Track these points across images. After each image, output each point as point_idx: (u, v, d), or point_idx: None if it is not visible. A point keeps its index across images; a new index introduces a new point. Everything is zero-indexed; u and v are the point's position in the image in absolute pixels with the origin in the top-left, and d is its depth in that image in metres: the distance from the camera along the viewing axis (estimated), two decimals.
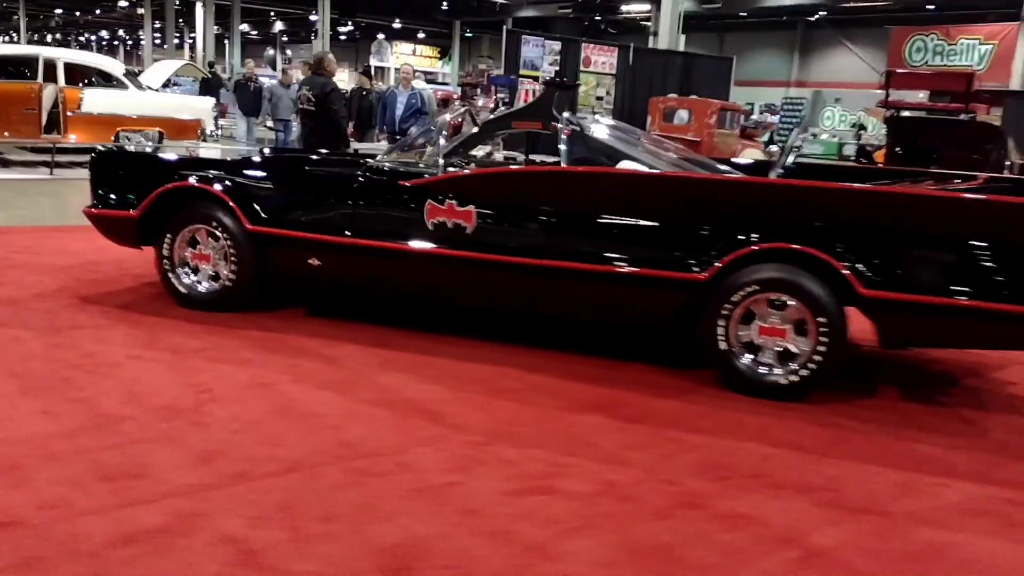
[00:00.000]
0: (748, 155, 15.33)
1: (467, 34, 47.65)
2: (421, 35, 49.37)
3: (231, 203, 5.31)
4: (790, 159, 5.71)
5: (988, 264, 4.17)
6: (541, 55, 14.67)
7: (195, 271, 5.55)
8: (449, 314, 5.70)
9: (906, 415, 4.45)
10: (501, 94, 12.00)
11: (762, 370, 4.48)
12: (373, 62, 34.97)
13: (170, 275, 5.56)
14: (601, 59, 15.44)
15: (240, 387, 4.23)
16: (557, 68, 14.43)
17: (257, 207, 5.32)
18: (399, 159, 5.48)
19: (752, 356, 4.52)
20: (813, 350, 4.38)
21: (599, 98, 15.50)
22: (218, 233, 5.39)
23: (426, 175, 5.09)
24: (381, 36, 41.28)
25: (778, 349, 4.48)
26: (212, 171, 5.47)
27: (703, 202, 4.63)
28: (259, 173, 5.51)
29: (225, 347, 4.85)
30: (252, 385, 4.27)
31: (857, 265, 4.28)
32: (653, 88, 16.07)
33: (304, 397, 4.15)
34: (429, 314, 5.71)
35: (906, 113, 10.20)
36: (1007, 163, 9.25)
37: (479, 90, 13.80)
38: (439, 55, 48.13)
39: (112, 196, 5.69)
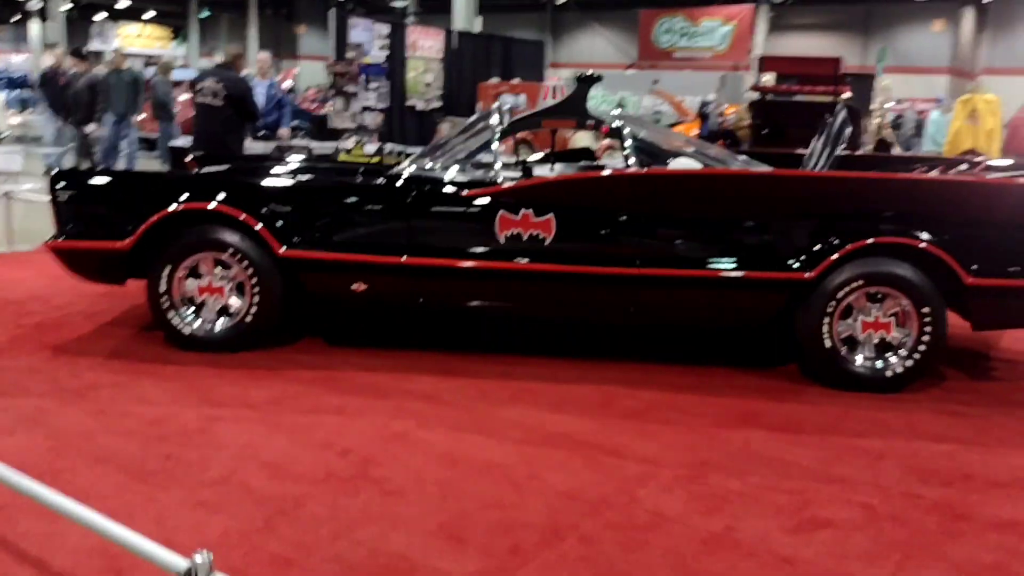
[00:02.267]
0: (580, 141, 15.59)
1: (204, 14, 44.74)
2: (150, 14, 45.68)
3: (257, 226, 4.59)
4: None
5: None
6: (370, 39, 14.05)
7: (198, 307, 4.75)
8: (466, 329, 5.32)
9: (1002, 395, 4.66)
10: (374, 84, 11.30)
11: (870, 365, 4.51)
12: (95, 45, 32.05)
13: (170, 314, 4.72)
14: (427, 43, 15.04)
15: (377, 441, 3.68)
16: (388, 53, 13.87)
17: (290, 229, 4.63)
18: (433, 166, 4.96)
19: (853, 351, 4.54)
20: (917, 340, 4.47)
21: (427, 84, 15.09)
22: (229, 261, 4.65)
23: (486, 183, 4.66)
24: (102, 15, 37.80)
25: (876, 342, 4.54)
26: (226, 189, 4.70)
27: (807, 199, 4.58)
28: (288, 190, 4.82)
29: (300, 394, 4.20)
30: (387, 438, 3.72)
31: (959, 256, 4.40)
32: (476, 73, 15.90)
33: (456, 445, 3.67)
34: (446, 330, 5.30)
35: (770, 97, 10.80)
36: (861, 142, 10.06)
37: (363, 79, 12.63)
38: (172, 35, 44.86)
39: (91, 224, 4.74)
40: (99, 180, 5.01)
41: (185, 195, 4.65)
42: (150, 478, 3.25)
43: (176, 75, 16.41)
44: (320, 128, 12.66)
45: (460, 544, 2.88)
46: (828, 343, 4.51)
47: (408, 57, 14.51)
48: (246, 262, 4.64)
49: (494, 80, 15.67)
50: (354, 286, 4.69)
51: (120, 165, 10.90)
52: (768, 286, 4.53)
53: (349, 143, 9.77)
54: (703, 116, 17.20)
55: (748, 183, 4.71)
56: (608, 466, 3.52)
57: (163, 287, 4.69)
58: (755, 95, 11.02)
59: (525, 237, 4.57)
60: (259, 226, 4.59)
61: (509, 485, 3.32)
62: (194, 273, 4.72)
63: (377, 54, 13.87)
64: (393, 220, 4.68)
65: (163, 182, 4.93)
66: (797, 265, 4.46)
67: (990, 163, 5.61)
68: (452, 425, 3.88)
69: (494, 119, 4.96)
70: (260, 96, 9.99)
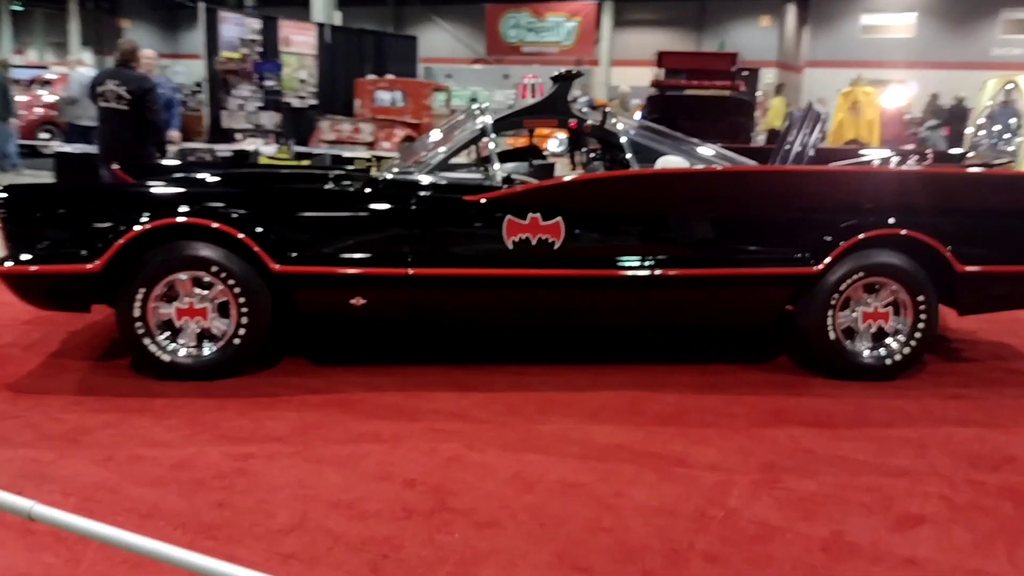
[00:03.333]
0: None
1: (16, 7, 41.56)
2: None
3: (247, 240, 4.21)
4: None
5: None
6: (240, 34, 13.40)
7: (174, 332, 4.33)
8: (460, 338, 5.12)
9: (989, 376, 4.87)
10: (270, 81, 10.64)
11: (875, 354, 4.62)
12: None
13: (146, 341, 4.27)
14: (300, 38, 14.48)
15: (435, 469, 3.43)
16: (261, 49, 13.26)
17: (284, 243, 4.28)
18: (424, 171, 4.69)
19: (854, 342, 4.64)
20: (912, 328, 4.61)
21: (302, 80, 14.54)
22: (212, 279, 4.25)
23: (487, 188, 4.46)
24: None
25: (873, 332, 4.65)
26: (208, 202, 4.30)
27: (814, 194, 4.61)
28: (281, 201, 4.43)
29: (322, 423, 3.88)
30: (443, 464, 3.48)
31: (952, 245, 4.56)
32: (350, 68, 15.47)
33: (519, 466, 3.48)
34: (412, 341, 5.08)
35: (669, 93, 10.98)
36: (752, 133, 10.42)
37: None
38: None
39: (51, 245, 4.22)
40: (58, 195, 4.48)
41: (162, 209, 4.21)
42: (216, 532, 2.90)
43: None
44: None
45: (589, 575, 2.71)
46: (832, 335, 4.58)
47: (281, 52, 13.91)
48: (232, 280, 4.25)
49: (370, 76, 15.28)
50: (353, 301, 4.38)
51: None
52: (777, 281, 4.56)
53: (248, 145, 9.24)
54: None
55: (756, 179, 4.71)
56: (682, 477, 3.43)
57: (137, 312, 4.24)
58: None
59: (534, 242, 4.40)
60: (250, 241, 4.22)
61: (599, 505, 3.16)
62: (167, 295, 4.29)
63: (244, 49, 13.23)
64: (395, 229, 4.40)
65: (135, 196, 4.44)
66: (805, 259, 4.50)
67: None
68: (501, 444, 3.68)
69: (478, 120, 4.76)
70: None
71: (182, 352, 4.32)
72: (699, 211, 4.54)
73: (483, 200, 4.40)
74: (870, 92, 11.18)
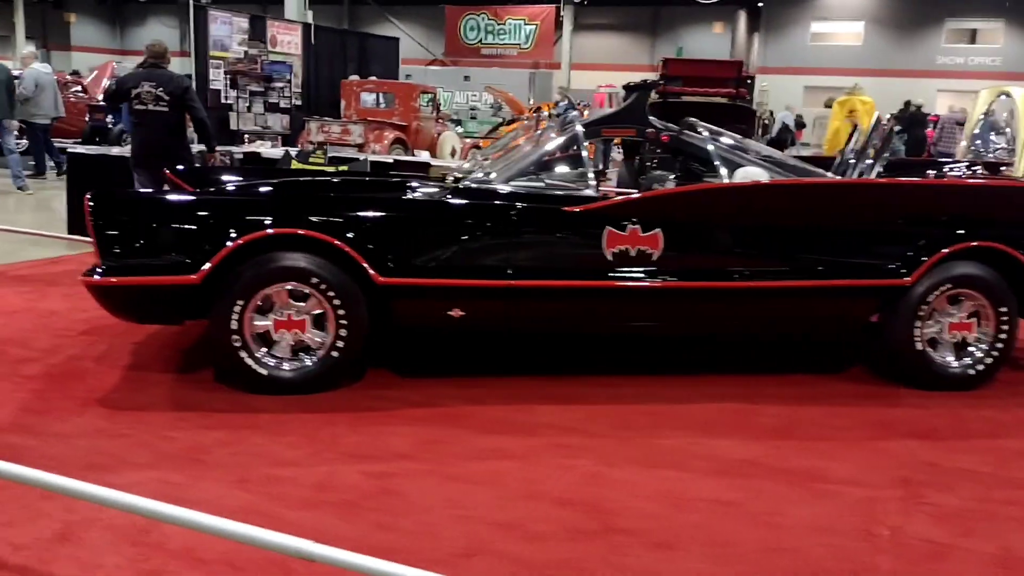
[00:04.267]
0: (448, 141, 15.31)
1: None
2: None
3: (353, 252, 4.11)
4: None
5: None
6: (230, 34, 13.17)
7: (269, 345, 4.21)
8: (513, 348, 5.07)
9: None
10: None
11: (962, 364, 4.68)
12: None
13: (243, 354, 4.14)
14: (287, 38, 14.26)
15: (580, 487, 3.38)
16: (247, 49, 13.00)
17: (388, 255, 4.18)
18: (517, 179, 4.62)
19: (940, 353, 4.70)
20: (995, 339, 4.69)
21: (288, 81, 14.26)
22: (310, 291, 4.14)
23: (586, 199, 4.42)
24: None
25: (956, 342, 4.72)
26: (311, 211, 4.18)
27: (904, 206, 4.66)
28: (385, 211, 4.32)
29: (445, 439, 3.80)
30: (585, 481, 3.44)
31: None
32: (334, 69, 15.26)
33: (660, 484, 3.45)
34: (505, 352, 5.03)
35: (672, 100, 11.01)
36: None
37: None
38: None
39: (148, 256, 4.06)
40: (155, 203, 4.31)
41: (268, 219, 4.09)
42: (393, 557, 2.79)
43: None
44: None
45: None
46: (919, 346, 4.64)
47: (271, 52, 13.66)
48: (332, 292, 4.14)
49: (353, 77, 15.10)
50: (451, 312, 4.31)
51: None
52: (867, 293, 4.59)
53: (258, 147, 9.03)
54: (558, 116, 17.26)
55: (852, 192, 4.74)
56: (828, 493, 3.43)
57: (235, 324, 4.10)
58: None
59: (633, 253, 4.38)
60: (356, 254, 4.11)
61: (761, 524, 3.15)
62: (261, 308, 4.17)
63: (236, 49, 12.98)
64: (496, 240, 4.34)
65: (238, 204, 4.29)
66: (895, 271, 4.55)
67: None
68: (632, 460, 3.64)
69: (571, 126, 4.72)
70: None
71: (285, 365, 4.20)
72: (794, 222, 4.56)
73: (583, 211, 4.36)
74: (867, 101, 11.39)
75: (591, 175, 4.53)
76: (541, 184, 4.57)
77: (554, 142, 4.77)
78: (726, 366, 5.00)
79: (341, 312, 4.17)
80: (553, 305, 4.43)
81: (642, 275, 4.39)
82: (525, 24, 34.71)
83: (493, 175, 4.61)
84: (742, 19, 39.37)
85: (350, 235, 4.13)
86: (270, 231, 4.05)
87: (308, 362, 4.23)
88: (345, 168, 6.85)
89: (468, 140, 16.41)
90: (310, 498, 3.19)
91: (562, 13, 33.77)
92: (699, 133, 5.15)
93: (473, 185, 4.53)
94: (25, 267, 6.84)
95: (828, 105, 13.96)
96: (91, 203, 4.05)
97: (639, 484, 3.42)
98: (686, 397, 4.42)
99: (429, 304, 4.30)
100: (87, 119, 15.64)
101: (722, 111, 10.56)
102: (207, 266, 4.01)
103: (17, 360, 4.56)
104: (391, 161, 8.37)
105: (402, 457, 3.58)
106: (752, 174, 4.94)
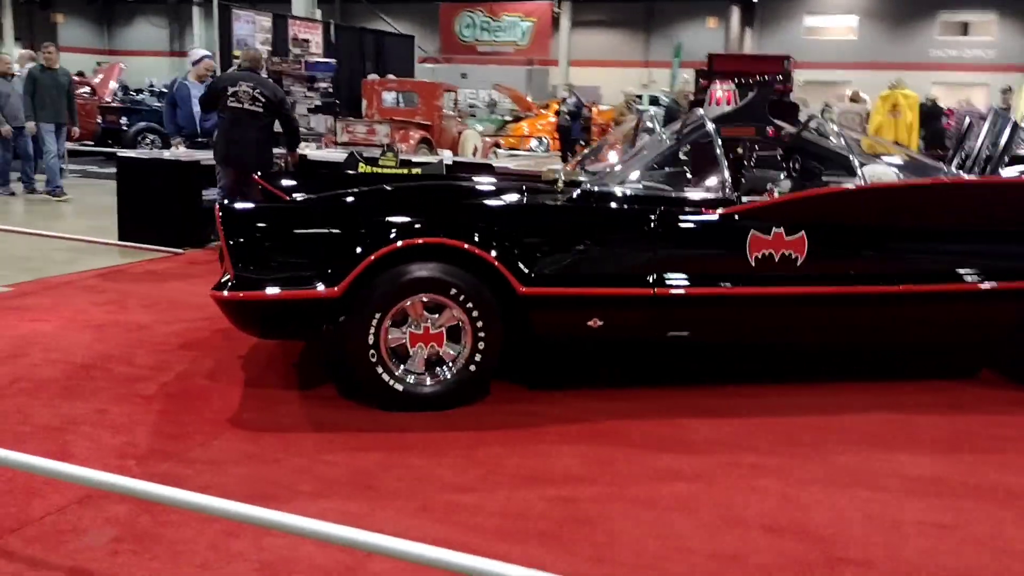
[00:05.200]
0: (470, 140, 15.09)
1: None
2: None
3: (495, 262, 3.90)
4: None
5: None
6: (252, 32, 12.91)
7: (401, 359, 4.00)
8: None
9: None
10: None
11: None
12: None
13: (379, 369, 3.93)
14: (308, 36, 14.01)
15: (777, 511, 3.19)
16: (270, 48, 12.76)
17: (530, 263, 3.98)
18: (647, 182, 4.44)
19: None
20: None
21: None
22: (447, 303, 3.94)
23: (727, 202, 4.24)
24: None
25: None
26: (451, 218, 3.98)
27: None
28: (526, 219, 4.14)
29: (608, 459, 3.59)
30: (780, 505, 3.24)
31: None
32: (352, 68, 15.01)
33: (861, 504, 3.25)
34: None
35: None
36: None
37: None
38: None
39: (283, 268, 3.84)
40: (289, 214, 4.10)
41: (411, 227, 3.89)
42: None
43: None
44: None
45: None
46: None
47: (291, 52, 13.40)
48: (471, 304, 3.94)
49: (372, 76, 14.86)
50: (590, 323, 4.11)
51: None
52: (1017, 297, 4.42)
53: (314, 151, 8.79)
54: (572, 115, 17.06)
55: (1007, 190, 4.58)
56: None
57: (372, 339, 3.89)
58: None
59: (777, 258, 4.20)
60: (498, 263, 3.91)
61: (990, 550, 2.96)
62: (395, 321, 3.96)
63: (260, 48, 12.70)
64: (640, 248, 4.15)
65: (377, 213, 4.08)
66: None
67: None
68: (818, 480, 3.45)
69: (702, 127, 4.53)
70: (196, 101, 8.83)
71: (422, 381, 3.99)
72: (944, 223, 4.39)
73: (727, 214, 4.18)
74: (909, 95, 11.28)
75: (728, 177, 4.35)
76: (677, 187, 4.39)
77: (688, 143, 4.58)
78: (839, 372, 4.79)
79: (479, 324, 3.97)
80: (694, 314, 4.24)
81: (787, 281, 4.21)
82: (521, 21, 34.51)
83: (620, 178, 4.42)
84: (735, 14, 39.29)
85: (493, 244, 3.93)
86: (417, 240, 3.84)
87: (443, 377, 4.03)
88: (419, 171, 6.62)
89: (488, 139, 16.20)
90: (505, 527, 2.99)
91: (558, 9, 33.56)
92: (822, 132, 4.98)
93: (600, 188, 4.34)
94: (90, 277, 6.57)
95: (854, 99, 13.82)
96: (223, 214, 3.82)
97: (838, 507, 3.23)
98: (834, 407, 4.24)
99: (568, 314, 4.11)
100: (98, 121, 15.31)
101: (774, 108, 10.39)
102: (347, 278, 3.79)
103: (128, 379, 4.32)
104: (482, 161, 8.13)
105: (577, 480, 3.38)
106: (879, 172, 4.79)
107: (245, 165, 7.00)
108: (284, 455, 3.52)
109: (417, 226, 3.91)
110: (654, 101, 25.30)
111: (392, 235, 3.84)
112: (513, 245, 3.97)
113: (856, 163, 4.62)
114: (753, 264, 4.18)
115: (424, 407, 3.99)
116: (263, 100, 7.00)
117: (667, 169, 4.55)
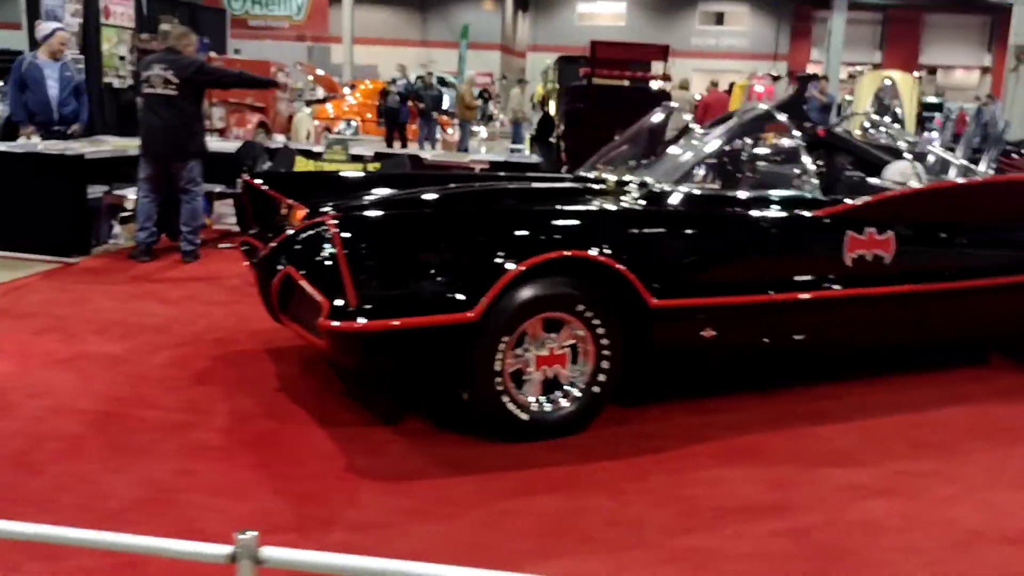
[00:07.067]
0: (303, 124, 14.20)
1: None
2: None
3: (627, 273, 3.57)
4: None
5: None
6: (61, 3, 11.40)
7: (519, 385, 3.59)
8: None
9: None
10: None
11: None
12: None
13: (505, 399, 3.50)
14: (119, 9, 12.53)
15: (997, 520, 3.14)
16: (80, 20, 11.32)
17: (658, 274, 3.68)
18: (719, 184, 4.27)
19: None
20: None
21: (122, 58, 12.64)
22: (571, 320, 3.58)
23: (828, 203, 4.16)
24: None
25: None
26: (579, 229, 3.60)
27: None
28: (650, 226, 3.80)
29: (789, 481, 3.39)
30: (997, 518, 3.19)
31: None
32: None
33: (991, 518, 3.28)
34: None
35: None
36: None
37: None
38: None
39: (411, 291, 3.29)
40: (424, 225, 3.52)
41: (551, 238, 3.47)
42: None
43: None
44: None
45: None
46: None
47: (103, 25, 11.92)
48: (597, 320, 3.59)
49: (214, 54, 13.56)
50: (704, 333, 3.88)
51: None
52: None
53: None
54: (402, 96, 16.49)
55: None
56: None
57: (498, 364, 3.44)
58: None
59: (869, 258, 4.16)
60: (630, 275, 3.57)
61: None
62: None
63: (70, 21, 11.21)
64: (752, 253, 3.97)
65: (508, 224, 3.57)
66: None
67: None
68: (997, 485, 3.42)
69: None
70: (52, 82, 7.62)
71: (547, 407, 3.59)
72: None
73: (828, 215, 4.10)
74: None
75: (815, 176, 4.25)
76: (776, 189, 4.26)
77: (772, 143, 4.44)
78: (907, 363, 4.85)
79: (604, 342, 3.63)
80: (800, 319, 4.11)
81: (879, 280, 4.19)
82: None
83: (710, 182, 4.24)
84: None
85: (624, 256, 3.59)
86: (563, 253, 3.43)
87: (567, 401, 3.65)
88: (378, 166, 6.05)
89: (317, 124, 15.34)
90: (759, 572, 2.72)
91: None
92: (880, 129, 5.03)
93: (694, 191, 4.15)
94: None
95: (683, 87, 14.32)
96: (340, 227, 3.21)
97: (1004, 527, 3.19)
98: (936, 400, 4.27)
99: (686, 326, 3.85)
100: None
101: (645, 96, 10.50)
102: (485, 298, 3.31)
103: (173, 427, 3.57)
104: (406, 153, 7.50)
105: (781, 507, 3.16)
106: (902, 169, 4.90)
107: (164, 155, 6.19)
108: (452, 508, 3.03)
109: (557, 238, 3.51)
110: (442, 82, 25.09)
111: (530, 248, 3.41)
112: (642, 256, 3.66)
113: (875, 159, 4.70)
114: (849, 264, 4.12)
115: (545, 436, 3.59)
116: (176, 82, 6.33)
117: (770, 171, 4.39)
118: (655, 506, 3.12)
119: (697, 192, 4.16)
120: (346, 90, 22.06)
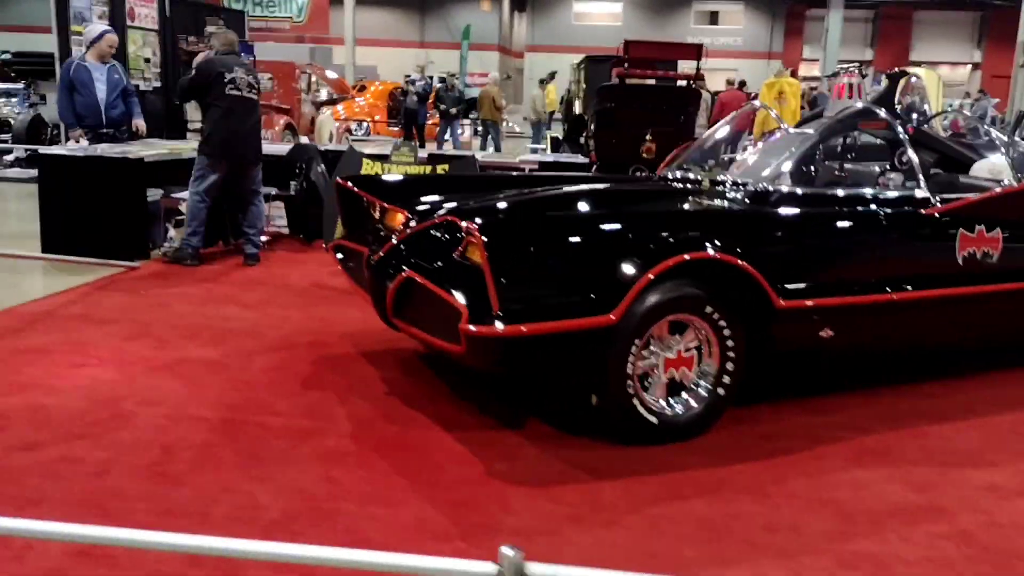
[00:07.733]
0: (325, 126, 14.14)
1: None
2: None
3: (758, 275, 3.54)
4: None
5: None
6: (88, 5, 11.33)
7: (645, 387, 3.56)
8: None
9: None
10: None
11: None
12: None
13: (635, 402, 3.46)
14: (143, 11, 12.46)
15: None
16: (108, 22, 11.23)
17: (785, 275, 3.66)
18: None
19: None
20: None
21: (147, 60, 12.57)
22: (697, 322, 3.55)
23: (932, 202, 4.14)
24: None
25: None
26: (712, 229, 3.56)
27: None
28: (776, 226, 3.78)
29: (936, 482, 3.37)
30: None
31: None
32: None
33: None
34: None
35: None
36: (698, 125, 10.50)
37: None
38: None
39: (550, 293, 3.25)
40: (571, 225, 3.51)
41: (684, 240, 3.43)
42: None
43: None
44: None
45: None
46: None
47: (128, 27, 11.84)
48: (724, 321, 3.56)
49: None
50: (822, 333, 3.85)
51: None
52: None
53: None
54: (420, 97, 16.44)
55: None
56: None
57: (630, 367, 3.41)
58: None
59: (979, 256, 4.15)
60: (758, 275, 3.54)
61: None
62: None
63: (97, 23, 11.13)
64: (869, 251, 3.96)
65: (644, 225, 3.53)
66: None
67: None
68: None
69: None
70: (101, 84, 7.54)
71: (675, 410, 3.56)
72: None
73: (943, 212, 4.09)
74: (792, 83, 11.79)
75: (921, 173, 4.23)
76: (880, 187, 4.25)
77: (880, 139, 4.42)
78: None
79: (729, 344, 3.60)
80: (913, 317, 4.09)
81: (988, 278, 4.18)
82: None
83: (808, 180, 4.21)
84: None
85: (752, 256, 3.56)
86: (705, 254, 3.40)
87: (692, 403, 3.62)
88: (446, 168, 6.00)
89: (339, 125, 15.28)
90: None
91: None
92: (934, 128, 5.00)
93: (803, 191, 4.12)
94: (67, 304, 5.38)
95: None
96: (482, 232, 3.16)
97: None
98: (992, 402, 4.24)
99: (806, 327, 3.82)
100: None
101: (677, 95, 10.46)
102: (624, 301, 3.27)
103: (298, 434, 3.52)
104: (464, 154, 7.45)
105: (927, 509, 3.13)
106: (998, 165, 4.88)
107: (245, 157, 6.19)
108: (607, 514, 2.99)
109: (693, 239, 3.47)
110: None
111: (667, 250, 3.38)
112: (768, 256, 3.63)
113: (963, 157, 4.68)
114: (960, 263, 4.11)
115: (675, 438, 3.56)
116: (257, 87, 6.51)
117: (855, 166, 4.37)
118: (805, 510, 3.08)
119: (807, 191, 4.12)
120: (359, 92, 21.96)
